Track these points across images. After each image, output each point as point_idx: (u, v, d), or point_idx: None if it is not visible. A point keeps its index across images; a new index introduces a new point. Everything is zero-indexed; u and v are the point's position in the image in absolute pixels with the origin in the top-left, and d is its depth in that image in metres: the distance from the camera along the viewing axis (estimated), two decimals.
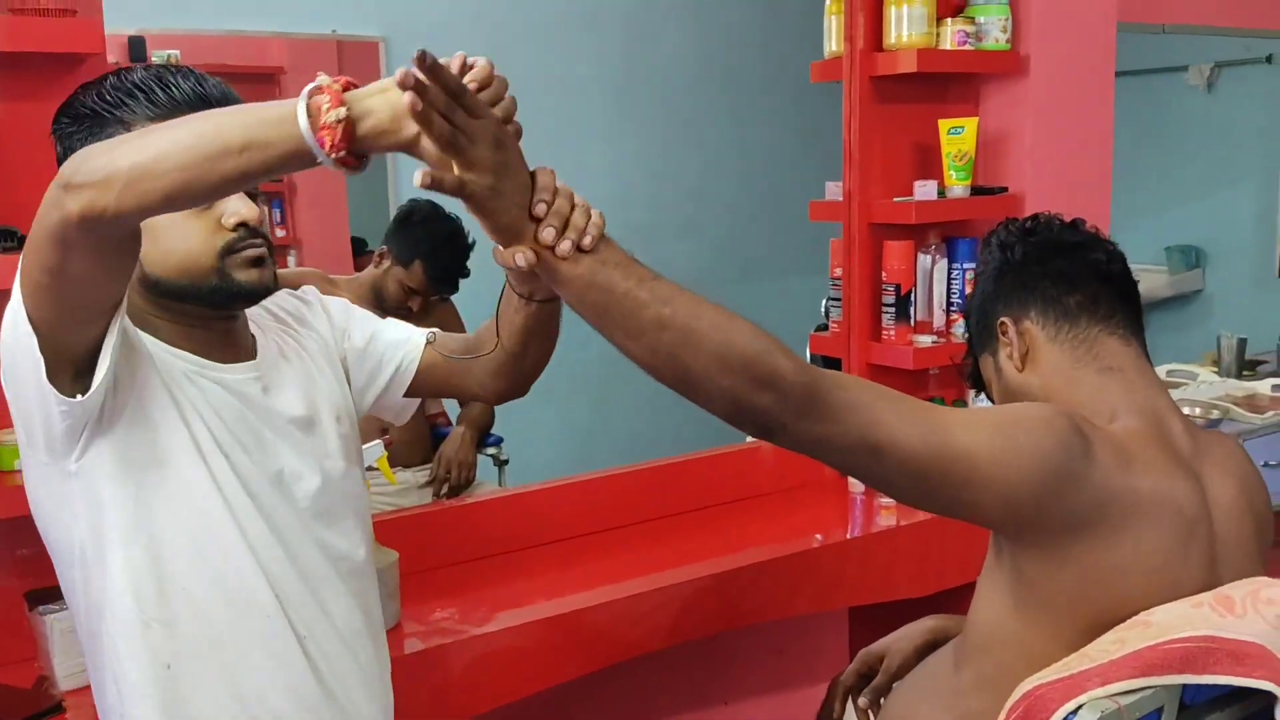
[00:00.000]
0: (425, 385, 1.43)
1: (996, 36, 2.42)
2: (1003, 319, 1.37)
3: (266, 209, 1.25)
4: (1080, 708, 1.06)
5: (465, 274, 2.67)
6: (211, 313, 1.24)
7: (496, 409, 2.77)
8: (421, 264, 2.58)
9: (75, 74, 1.55)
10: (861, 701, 1.58)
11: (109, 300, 1.07)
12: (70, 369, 1.08)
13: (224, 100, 1.19)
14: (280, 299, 1.38)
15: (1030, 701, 1.09)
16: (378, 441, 1.76)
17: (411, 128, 0.97)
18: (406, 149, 0.99)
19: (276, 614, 1.22)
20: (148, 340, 1.19)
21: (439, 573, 1.96)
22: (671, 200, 3.89)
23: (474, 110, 0.97)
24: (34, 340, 1.05)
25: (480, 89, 1.00)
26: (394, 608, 1.74)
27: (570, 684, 1.83)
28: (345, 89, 0.97)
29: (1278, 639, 1.10)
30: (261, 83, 3.40)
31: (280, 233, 3.40)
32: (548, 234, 1.03)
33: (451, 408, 2.87)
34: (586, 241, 1.04)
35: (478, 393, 1.44)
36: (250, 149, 0.96)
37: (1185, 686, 1.09)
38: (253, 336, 1.31)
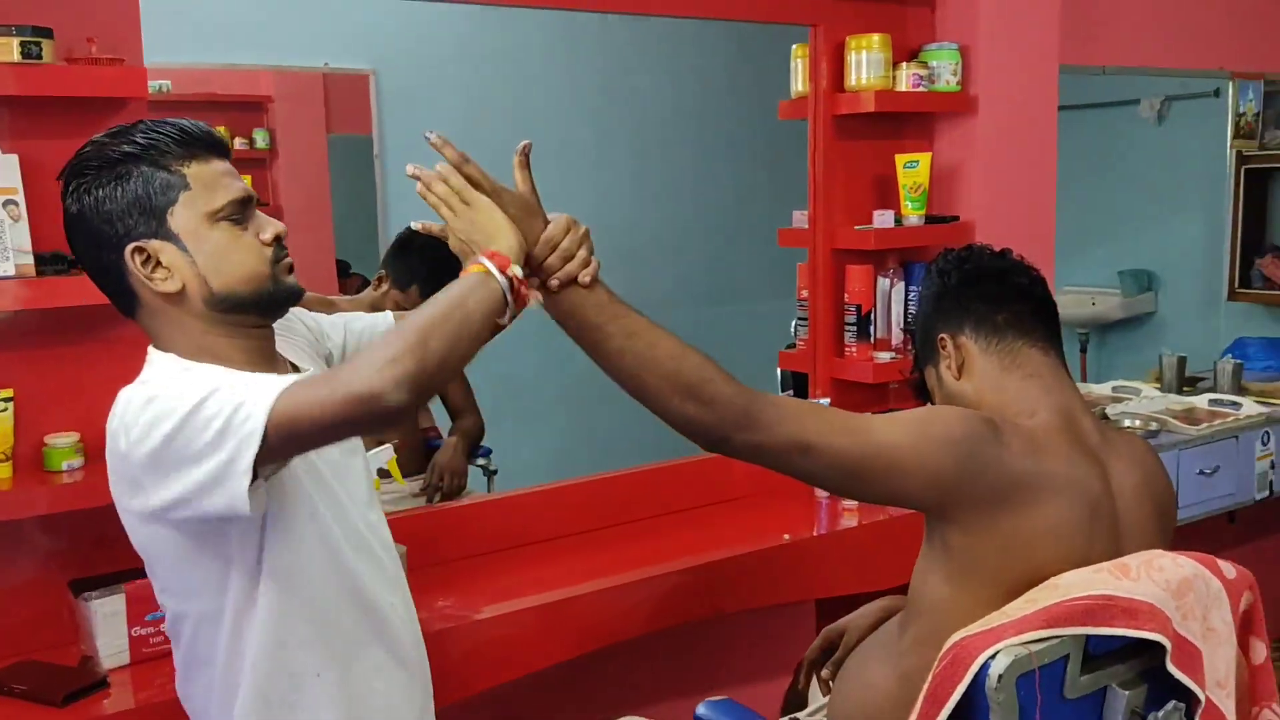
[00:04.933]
0: None
1: (948, 79, 2.64)
2: (942, 335, 1.57)
3: None
4: (997, 653, 1.25)
5: None
6: (261, 320, 1.39)
7: (486, 425, 2.94)
8: (419, 289, 2.68)
9: (119, 115, 1.73)
10: (824, 673, 1.77)
11: None
12: None
13: (223, 139, 1.39)
14: None
15: (957, 651, 1.28)
16: (386, 445, 1.93)
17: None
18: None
19: (373, 601, 1.43)
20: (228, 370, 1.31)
21: (436, 569, 2.13)
22: (650, 226, 4.06)
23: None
24: (249, 476, 1.16)
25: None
26: None
27: (560, 666, 2.00)
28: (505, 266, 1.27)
29: (1167, 599, 1.31)
30: (250, 110, 3.55)
31: None
32: (532, 281, 1.34)
33: (442, 421, 3.03)
34: (584, 278, 1.34)
35: None
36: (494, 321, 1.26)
37: (1090, 638, 1.29)
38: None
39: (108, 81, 1.71)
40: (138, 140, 1.31)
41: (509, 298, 1.26)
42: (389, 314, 1.68)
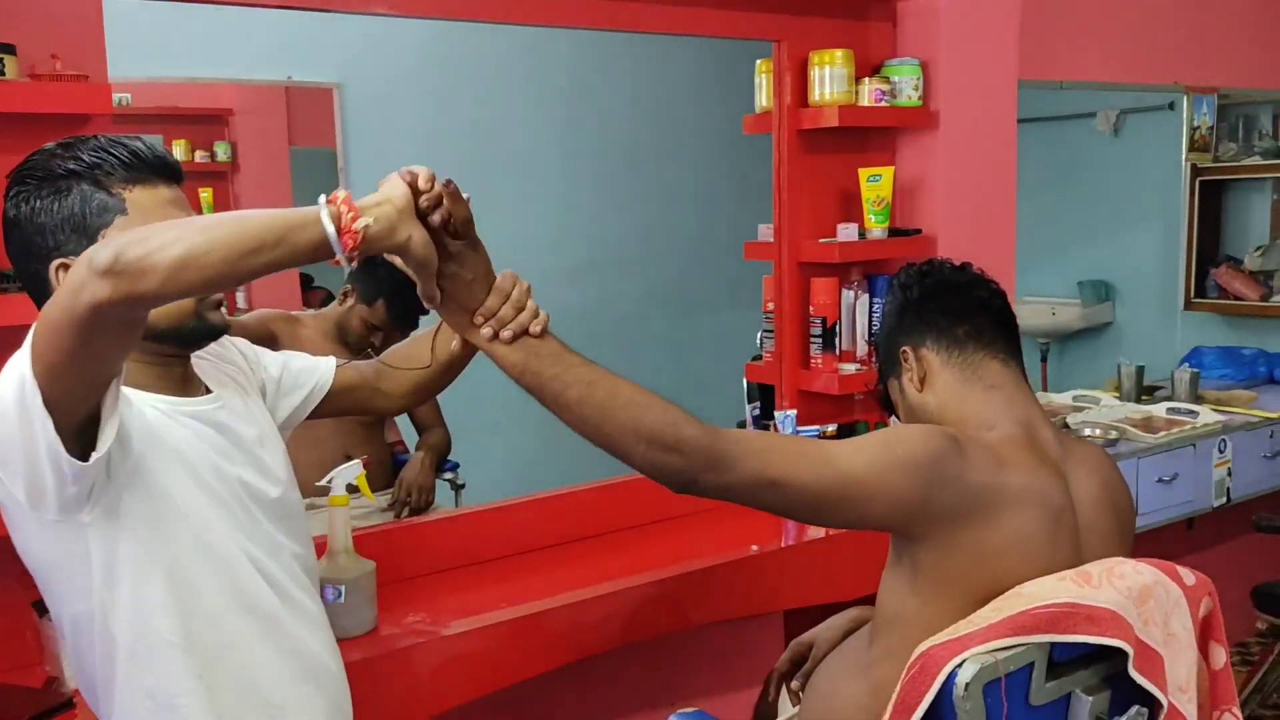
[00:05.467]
0: (335, 404, 1.64)
1: (909, 94, 2.68)
2: (904, 348, 1.59)
3: None
4: (964, 662, 1.27)
5: (425, 312, 2.78)
6: (180, 351, 1.39)
7: (453, 439, 2.94)
8: (385, 302, 2.71)
9: (82, 130, 1.67)
10: (794, 684, 1.78)
11: (115, 371, 1.19)
12: (74, 434, 1.17)
13: (177, 165, 1.36)
14: None
15: (924, 660, 1.30)
16: (356, 461, 1.92)
17: (403, 233, 1.19)
18: (398, 251, 1.21)
19: (273, 612, 1.39)
20: (128, 391, 1.28)
21: (405, 584, 2.13)
22: (617, 241, 4.08)
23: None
24: (49, 419, 1.14)
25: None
26: (372, 613, 1.91)
27: (530, 681, 2.00)
28: (346, 202, 1.15)
29: (1129, 606, 1.33)
30: (211, 123, 3.51)
31: None
32: (485, 333, 1.32)
33: (409, 436, 3.02)
34: (535, 328, 1.32)
35: (384, 406, 1.67)
36: (281, 246, 1.12)
37: (1055, 645, 1.31)
38: (195, 373, 1.45)
39: (71, 98, 1.70)
40: (84, 158, 1.29)
41: (328, 222, 1.13)
42: (332, 359, 1.65)
